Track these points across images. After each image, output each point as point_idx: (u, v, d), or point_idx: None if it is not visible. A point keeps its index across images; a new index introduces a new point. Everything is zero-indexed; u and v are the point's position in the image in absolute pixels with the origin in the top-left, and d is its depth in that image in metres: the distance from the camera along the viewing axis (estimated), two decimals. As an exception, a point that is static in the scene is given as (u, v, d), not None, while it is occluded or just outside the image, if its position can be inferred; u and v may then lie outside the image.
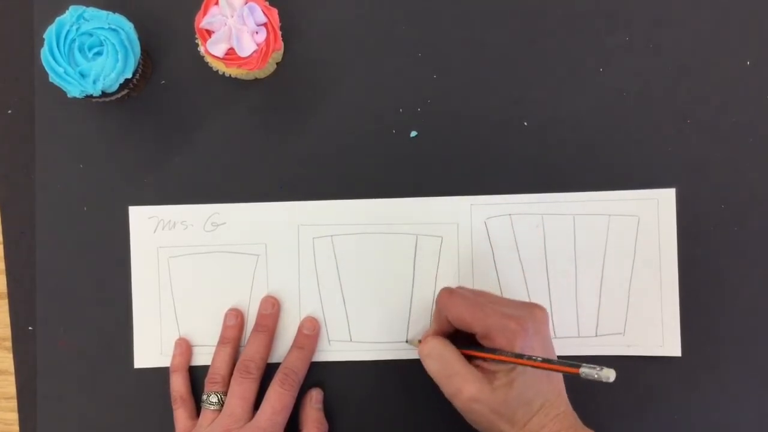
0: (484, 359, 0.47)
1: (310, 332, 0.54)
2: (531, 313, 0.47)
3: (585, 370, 0.41)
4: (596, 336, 0.54)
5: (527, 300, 0.53)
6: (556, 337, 0.54)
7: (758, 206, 0.55)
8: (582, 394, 0.54)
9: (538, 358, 0.44)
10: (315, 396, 0.54)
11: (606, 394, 0.54)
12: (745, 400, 0.54)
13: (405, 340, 0.55)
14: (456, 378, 0.46)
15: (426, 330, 0.52)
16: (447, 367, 0.47)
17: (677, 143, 0.55)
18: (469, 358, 0.48)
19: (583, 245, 0.55)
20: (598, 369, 0.40)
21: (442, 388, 0.48)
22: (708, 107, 0.55)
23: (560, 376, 0.48)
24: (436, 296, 0.51)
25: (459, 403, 0.47)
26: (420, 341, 0.50)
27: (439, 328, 0.50)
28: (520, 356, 0.45)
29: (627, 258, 0.55)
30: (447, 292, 0.49)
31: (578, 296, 0.55)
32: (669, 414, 0.54)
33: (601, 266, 0.55)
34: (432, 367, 0.48)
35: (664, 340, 0.54)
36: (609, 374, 0.40)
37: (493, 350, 0.46)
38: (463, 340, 0.49)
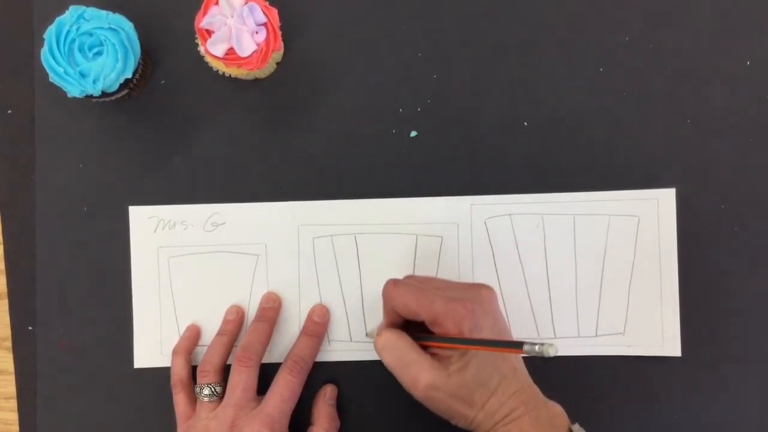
0: (437, 347, 0.47)
1: (320, 319, 0.54)
2: (477, 294, 0.48)
3: (527, 347, 0.41)
4: (596, 336, 0.54)
5: (474, 283, 0.52)
6: (556, 337, 0.55)
7: (758, 206, 0.55)
8: (582, 393, 0.54)
9: (481, 342, 0.44)
10: (329, 392, 0.54)
11: (606, 394, 0.54)
12: (745, 400, 0.54)
13: (365, 334, 0.55)
14: (412, 367, 0.47)
15: (379, 325, 0.52)
16: (402, 358, 0.47)
17: (677, 143, 0.55)
18: (424, 348, 0.48)
19: (583, 245, 0.55)
20: (539, 344, 0.40)
21: (399, 380, 0.48)
22: (708, 107, 0.55)
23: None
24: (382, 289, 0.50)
25: (418, 392, 0.47)
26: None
27: (390, 320, 0.50)
28: (463, 341, 0.45)
29: (627, 258, 0.55)
30: (392, 284, 0.49)
31: (578, 296, 0.55)
32: (669, 414, 0.54)
33: (601, 266, 0.55)
34: (388, 359, 0.48)
35: (664, 340, 0.54)
36: (548, 349, 0.40)
37: (443, 337, 0.46)
38: (415, 330, 0.49)
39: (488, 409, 0.46)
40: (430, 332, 0.48)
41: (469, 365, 0.46)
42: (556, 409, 0.47)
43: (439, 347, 0.47)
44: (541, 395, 0.47)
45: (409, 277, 0.52)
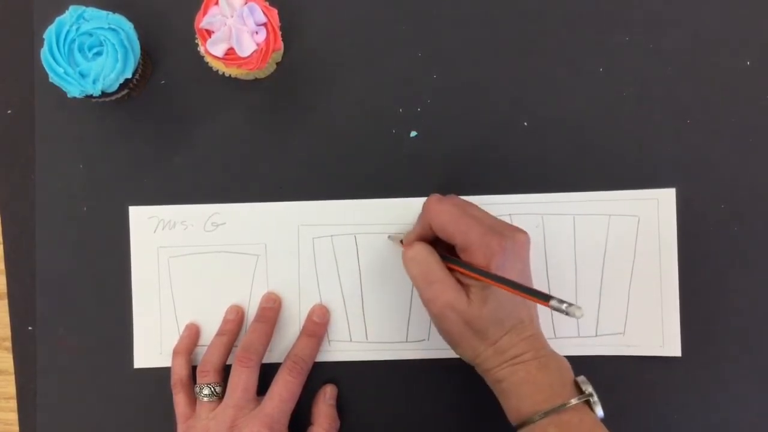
0: (461, 273, 0.47)
1: (320, 319, 0.54)
2: (513, 235, 0.47)
3: (554, 303, 0.41)
4: (596, 336, 0.54)
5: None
6: (555, 337, 0.55)
7: (758, 206, 0.55)
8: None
9: (510, 282, 0.44)
10: (329, 392, 0.54)
11: (606, 394, 0.54)
12: (745, 400, 0.54)
13: (388, 236, 0.55)
14: (436, 285, 0.47)
15: (408, 231, 0.52)
16: (429, 273, 0.48)
17: (677, 143, 0.55)
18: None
19: (583, 245, 0.55)
20: (566, 304, 0.40)
21: (419, 292, 0.48)
22: (708, 107, 0.55)
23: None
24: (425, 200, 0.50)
25: (435, 308, 0.47)
26: (401, 241, 0.52)
27: (422, 233, 0.50)
28: (495, 277, 0.45)
29: (627, 258, 0.55)
30: (436, 199, 0.49)
31: (578, 296, 0.55)
32: (669, 414, 0.54)
33: (601, 266, 0.55)
34: (414, 271, 0.48)
35: (664, 340, 0.54)
36: (576, 311, 0.40)
37: (469, 265, 0.46)
38: (442, 249, 0.49)
39: (499, 346, 0.46)
40: (455, 255, 0.48)
41: (488, 300, 0.46)
42: (563, 362, 0.47)
43: (466, 275, 0.47)
44: (548, 345, 0.47)
45: (452, 197, 0.51)
